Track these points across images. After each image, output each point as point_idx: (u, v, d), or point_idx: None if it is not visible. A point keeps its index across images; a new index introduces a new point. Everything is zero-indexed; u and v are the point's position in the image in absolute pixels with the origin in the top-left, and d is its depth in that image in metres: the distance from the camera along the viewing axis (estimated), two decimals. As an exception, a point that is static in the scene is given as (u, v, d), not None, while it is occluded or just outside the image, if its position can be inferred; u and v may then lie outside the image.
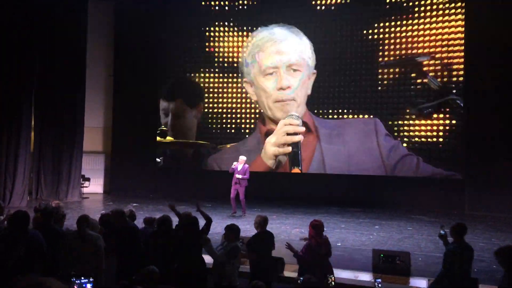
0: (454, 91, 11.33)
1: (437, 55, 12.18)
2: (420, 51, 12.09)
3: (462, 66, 12.07)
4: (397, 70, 12.10)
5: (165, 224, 5.65)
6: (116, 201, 13.27)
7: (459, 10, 12.13)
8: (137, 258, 5.31)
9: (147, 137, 14.93)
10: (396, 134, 12.56)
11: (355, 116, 11.44)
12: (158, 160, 13.81)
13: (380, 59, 11.98)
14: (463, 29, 12.07)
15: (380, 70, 11.95)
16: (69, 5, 13.50)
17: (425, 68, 11.81)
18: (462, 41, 12.06)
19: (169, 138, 13.99)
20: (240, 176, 10.73)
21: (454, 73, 12.17)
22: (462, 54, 12.06)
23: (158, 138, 14.15)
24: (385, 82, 12.10)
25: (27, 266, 4.70)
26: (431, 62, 12.10)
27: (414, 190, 12.47)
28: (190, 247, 5.36)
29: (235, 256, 5.27)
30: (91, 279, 4.13)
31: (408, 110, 12.16)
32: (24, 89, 12.62)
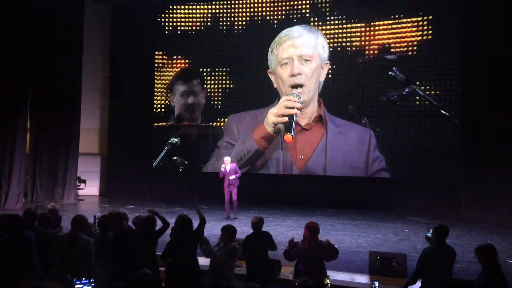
0: (418, 82, 12.42)
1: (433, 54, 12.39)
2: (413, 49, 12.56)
3: (459, 68, 12.16)
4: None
5: (148, 225, 5.65)
6: (112, 203, 13.24)
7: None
8: (132, 261, 5.30)
9: (143, 139, 14.91)
10: (393, 137, 12.72)
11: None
12: (175, 140, 14.29)
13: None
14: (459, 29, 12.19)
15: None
16: (66, 7, 13.48)
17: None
18: (459, 43, 12.19)
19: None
20: (233, 177, 10.79)
21: (451, 74, 12.26)
22: (459, 56, 12.16)
23: (174, 122, 14.69)
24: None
25: (21, 266, 4.71)
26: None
27: (410, 192, 12.50)
28: (185, 248, 5.36)
29: (233, 256, 5.32)
30: (91, 280, 4.15)
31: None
32: (20, 90, 12.59)
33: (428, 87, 12.41)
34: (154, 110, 15.00)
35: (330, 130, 12.49)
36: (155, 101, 15.01)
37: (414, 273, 5.07)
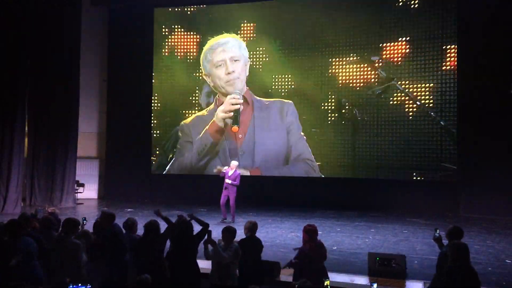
0: (395, 78, 13.15)
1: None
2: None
3: (455, 68, 12.21)
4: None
5: (151, 231, 5.48)
6: (110, 206, 13.20)
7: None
8: (125, 265, 5.28)
9: (141, 142, 14.91)
10: (391, 135, 12.76)
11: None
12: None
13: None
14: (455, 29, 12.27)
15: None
16: (62, 10, 13.48)
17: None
18: (455, 45, 12.23)
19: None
20: (229, 181, 10.76)
21: (448, 76, 12.31)
22: (455, 57, 12.21)
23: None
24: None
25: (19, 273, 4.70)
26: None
27: (409, 193, 12.52)
28: (184, 252, 5.35)
29: (238, 256, 5.37)
30: (88, 286, 4.12)
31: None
32: (17, 94, 12.56)
33: (426, 86, 12.50)
34: (152, 113, 15.00)
35: (256, 107, 14.75)
36: (153, 104, 15.02)
37: (436, 277, 5.07)
